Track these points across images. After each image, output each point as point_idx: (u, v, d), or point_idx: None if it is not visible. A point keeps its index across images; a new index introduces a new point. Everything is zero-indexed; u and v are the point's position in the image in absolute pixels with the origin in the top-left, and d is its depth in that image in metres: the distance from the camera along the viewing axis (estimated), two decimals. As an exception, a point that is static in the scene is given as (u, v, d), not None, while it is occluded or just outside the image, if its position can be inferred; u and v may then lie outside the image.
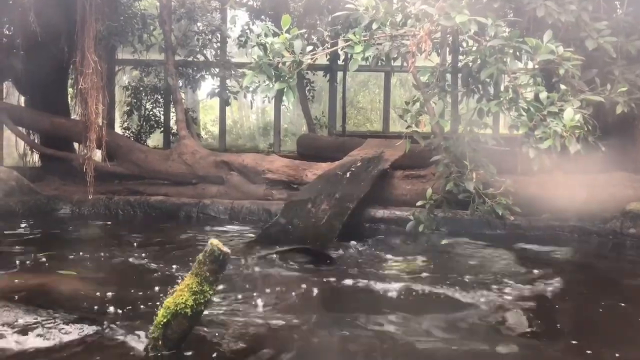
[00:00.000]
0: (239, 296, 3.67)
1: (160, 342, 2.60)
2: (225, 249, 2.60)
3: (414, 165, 6.67)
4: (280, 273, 4.32)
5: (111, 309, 3.31)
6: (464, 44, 5.82)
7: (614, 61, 5.14)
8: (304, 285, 3.93)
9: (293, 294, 3.77)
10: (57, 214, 6.98)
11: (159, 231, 6.02)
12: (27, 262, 4.43)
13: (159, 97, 10.35)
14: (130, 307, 3.33)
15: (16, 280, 3.89)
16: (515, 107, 4.28)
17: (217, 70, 9.43)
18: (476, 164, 4.86)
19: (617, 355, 2.80)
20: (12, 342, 2.71)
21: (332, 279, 4.08)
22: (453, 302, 3.63)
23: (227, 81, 9.37)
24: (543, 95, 4.11)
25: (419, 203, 5.23)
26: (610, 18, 5.24)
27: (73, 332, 2.82)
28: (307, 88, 10.58)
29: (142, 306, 3.35)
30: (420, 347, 2.91)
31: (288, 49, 4.19)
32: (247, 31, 9.61)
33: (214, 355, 2.72)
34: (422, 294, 3.77)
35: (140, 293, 3.63)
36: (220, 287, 3.41)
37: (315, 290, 3.85)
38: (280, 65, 4.18)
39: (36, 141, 8.92)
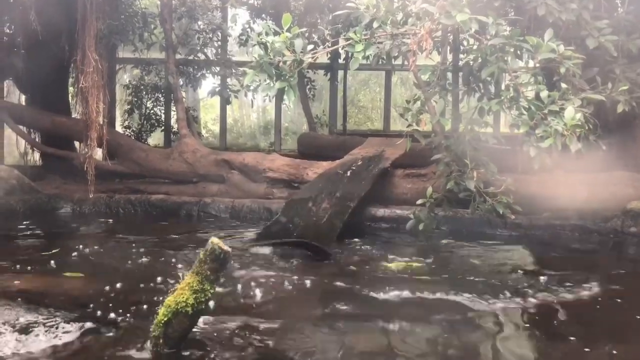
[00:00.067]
0: (239, 295, 3.68)
1: (161, 341, 2.60)
2: (226, 247, 2.60)
3: (414, 164, 6.67)
4: (280, 272, 4.31)
5: (112, 307, 3.31)
6: (465, 43, 5.81)
7: (614, 60, 5.13)
8: (304, 285, 3.93)
9: (293, 293, 3.78)
10: (58, 212, 6.98)
11: (160, 230, 6.02)
12: (28, 261, 4.43)
13: (160, 95, 10.35)
14: (131, 306, 3.33)
15: (16, 280, 3.90)
16: (516, 105, 4.28)
17: (218, 68, 9.42)
18: (477, 162, 4.86)
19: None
20: (12, 340, 2.71)
21: (332, 279, 4.07)
22: (454, 305, 3.55)
23: (228, 80, 9.36)
24: (544, 94, 4.11)
25: (419, 202, 5.22)
26: (611, 17, 5.24)
27: (74, 331, 2.82)
28: (308, 87, 10.58)
29: (142, 305, 3.35)
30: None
31: (289, 47, 4.19)
32: (248, 30, 9.61)
33: (214, 353, 2.72)
34: (423, 295, 3.72)
35: (141, 292, 3.63)
36: (221, 285, 3.42)
37: (315, 290, 3.85)
38: (281, 64, 4.18)
39: (37, 140, 8.91)
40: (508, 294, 3.73)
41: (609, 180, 6.01)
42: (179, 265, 4.33)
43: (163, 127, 10.51)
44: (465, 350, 2.92)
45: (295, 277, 4.13)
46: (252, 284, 3.92)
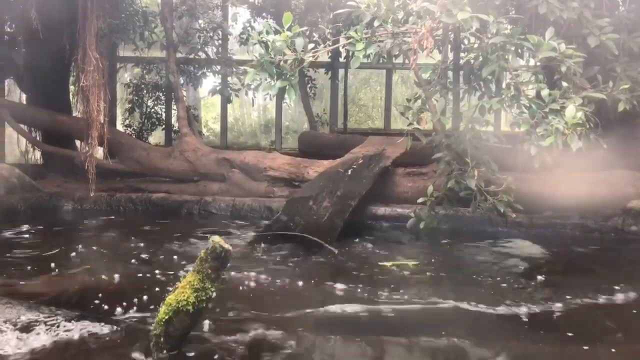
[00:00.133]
0: (240, 293, 3.68)
1: (162, 339, 2.60)
2: (227, 246, 2.60)
3: (415, 163, 6.67)
4: (280, 270, 4.32)
5: (113, 306, 3.31)
6: (466, 41, 5.81)
7: (616, 58, 5.13)
8: (303, 285, 3.93)
9: (292, 292, 3.77)
10: (59, 211, 6.99)
11: (161, 228, 6.03)
12: (28, 260, 4.43)
13: (161, 94, 10.36)
14: (131, 304, 3.33)
15: (17, 279, 3.90)
16: (516, 104, 4.27)
17: (219, 67, 9.42)
18: (478, 161, 4.86)
19: None
20: (13, 339, 2.72)
21: (332, 278, 4.07)
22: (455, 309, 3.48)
23: (229, 78, 9.37)
24: (545, 92, 4.11)
25: (420, 200, 5.22)
26: (612, 15, 5.23)
27: (75, 330, 2.83)
28: (309, 85, 10.58)
29: (143, 303, 3.36)
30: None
31: (289, 46, 4.19)
32: (249, 28, 9.60)
33: (215, 352, 2.73)
34: (424, 297, 3.69)
35: (142, 290, 3.63)
36: (221, 284, 3.42)
37: (315, 289, 3.85)
38: (281, 63, 4.18)
39: (38, 138, 8.92)
40: (507, 299, 3.73)
41: (609, 179, 6.00)
42: (180, 264, 4.34)
43: (164, 126, 10.51)
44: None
45: (296, 276, 4.13)
46: (252, 282, 3.92)
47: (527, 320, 3.29)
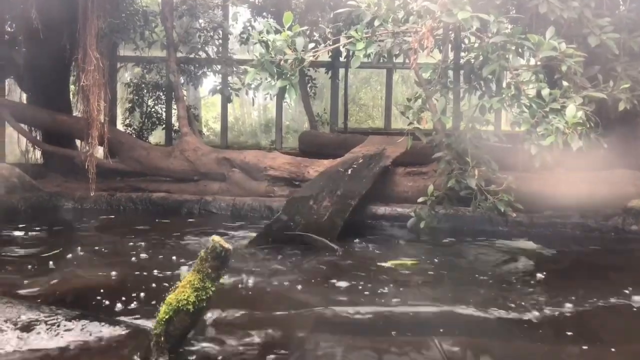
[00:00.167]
0: (239, 292, 3.68)
1: (162, 339, 2.60)
2: (227, 245, 2.60)
3: (415, 162, 6.67)
4: (280, 270, 4.32)
5: (113, 305, 3.32)
6: (466, 41, 5.81)
7: (616, 58, 5.12)
8: (305, 283, 3.93)
9: (293, 292, 3.77)
10: (59, 210, 6.99)
11: (161, 228, 6.03)
12: (28, 260, 4.44)
13: (161, 94, 10.36)
14: (132, 304, 3.34)
15: (17, 279, 3.91)
16: (517, 103, 4.27)
17: (219, 67, 9.43)
18: (478, 160, 4.86)
19: None
20: (14, 338, 2.72)
21: (332, 278, 4.07)
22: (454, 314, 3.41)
23: (229, 78, 9.37)
24: (545, 92, 4.10)
25: (420, 200, 5.22)
26: (612, 14, 5.23)
27: (75, 329, 2.82)
28: (309, 85, 10.58)
29: (144, 302, 3.36)
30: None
31: (290, 46, 4.19)
32: (249, 28, 9.60)
33: (215, 350, 2.73)
34: (425, 300, 3.66)
35: (142, 289, 3.63)
36: (222, 282, 3.41)
37: (315, 289, 3.85)
38: (282, 62, 4.18)
39: (38, 138, 8.93)
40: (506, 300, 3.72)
41: (610, 179, 6.00)
42: (180, 263, 4.33)
43: (164, 126, 10.51)
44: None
45: (296, 275, 4.13)
46: (252, 281, 3.92)
47: (525, 325, 3.22)
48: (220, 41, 9.65)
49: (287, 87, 4.18)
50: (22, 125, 8.56)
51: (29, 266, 4.21)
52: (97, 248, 4.88)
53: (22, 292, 3.57)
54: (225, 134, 10.95)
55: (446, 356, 2.74)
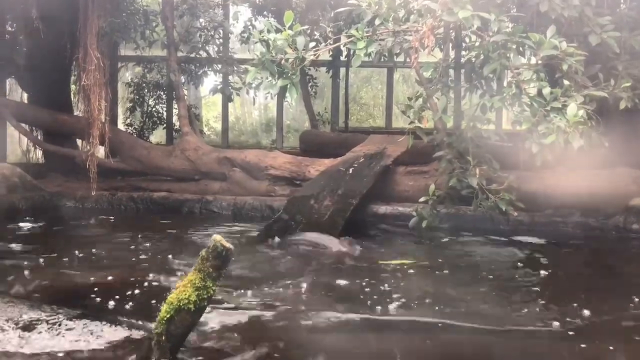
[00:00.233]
0: (239, 290, 3.68)
1: (163, 338, 2.60)
2: (228, 244, 2.60)
3: (416, 161, 6.66)
4: (281, 269, 4.32)
5: (114, 304, 3.32)
6: (467, 40, 5.80)
7: (617, 56, 5.11)
8: (304, 282, 3.92)
9: (293, 291, 3.77)
10: (61, 210, 6.99)
11: (162, 227, 6.03)
12: (29, 259, 4.44)
13: (162, 93, 10.35)
14: (133, 303, 3.34)
15: (18, 278, 3.91)
16: (518, 102, 4.26)
17: (220, 66, 9.42)
18: (479, 159, 4.85)
19: None
20: (15, 337, 2.72)
21: (332, 278, 4.07)
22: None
23: (230, 77, 9.36)
24: (546, 90, 4.10)
25: (421, 199, 5.21)
26: (613, 13, 5.22)
27: (77, 328, 2.83)
28: (310, 84, 10.57)
29: (145, 302, 3.36)
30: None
31: (291, 45, 4.19)
32: (250, 27, 9.60)
33: (216, 349, 2.73)
34: (425, 302, 3.64)
35: (143, 289, 3.63)
36: (223, 282, 3.41)
37: (316, 288, 3.85)
38: (283, 61, 4.17)
39: (39, 138, 8.93)
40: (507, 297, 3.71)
41: (611, 177, 5.99)
42: (181, 262, 4.34)
43: (165, 125, 10.51)
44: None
45: (296, 275, 4.14)
46: (252, 280, 3.92)
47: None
48: (221, 40, 9.65)
49: (288, 86, 4.18)
50: (23, 125, 8.57)
51: (29, 265, 4.21)
52: (97, 247, 4.88)
53: (21, 291, 3.58)
54: (226, 133, 10.95)
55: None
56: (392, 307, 3.42)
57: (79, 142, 8.86)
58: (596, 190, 5.88)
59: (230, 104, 10.80)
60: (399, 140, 5.78)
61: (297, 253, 4.86)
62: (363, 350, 2.89)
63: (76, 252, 4.67)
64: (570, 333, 3.02)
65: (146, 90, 10.29)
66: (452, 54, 7.50)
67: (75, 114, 8.89)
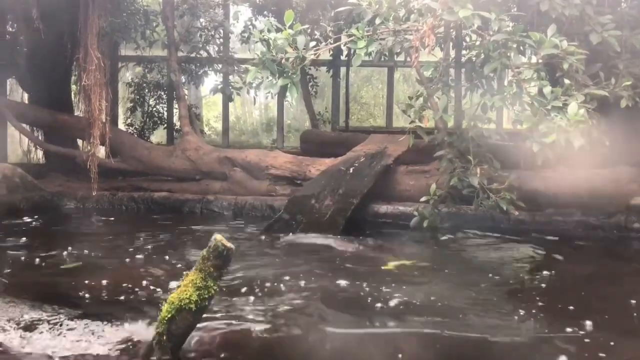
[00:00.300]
0: (239, 291, 3.68)
1: (164, 337, 2.60)
2: (229, 244, 2.60)
3: (417, 161, 6.66)
4: (281, 269, 4.32)
5: (115, 304, 3.32)
6: (468, 39, 5.80)
7: (618, 55, 5.10)
8: (303, 282, 3.92)
9: (293, 290, 3.77)
10: (61, 210, 7.00)
11: (163, 227, 6.03)
12: (29, 257, 4.44)
13: (162, 93, 10.35)
14: (134, 302, 3.34)
15: (18, 278, 3.91)
16: (519, 101, 4.26)
17: (220, 66, 9.42)
18: (480, 159, 4.85)
19: None
20: (17, 337, 2.72)
21: (332, 278, 4.06)
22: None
23: (230, 77, 9.36)
24: (547, 89, 4.10)
25: (423, 198, 5.21)
26: (614, 12, 5.21)
27: (78, 328, 2.83)
28: (310, 84, 10.56)
29: (146, 301, 3.36)
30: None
31: (291, 44, 4.18)
32: (250, 27, 9.59)
33: (216, 350, 2.73)
34: (426, 304, 3.60)
35: (144, 289, 3.64)
36: (223, 281, 3.42)
37: (316, 287, 3.84)
38: (283, 61, 4.17)
39: (40, 138, 8.93)
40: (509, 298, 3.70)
41: (612, 176, 5.98)
42: (181, 262, 4.34)
43: (165, 125, 10.51)
44: None
45: (297, 274, 4.13)
46: (252, 280, 3.92)
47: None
48: (221, 40, 9.64)
49: (289, 85, 4.18)
50: (24, 125, 8.57)
51: (29, 265, 4.21)
52: (98, 247, 4.88)
53: (24, 290, 3.57)
54: (226, 133, 10.95)
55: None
56: (390, 313, 3.39)
57: (79, 142, 8.87)
58: (597, 189, 5.87)
59: (230, 104, 10.80)
60: (400, 140, 5.78)
61: (297, 253, 4.86)
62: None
63: (75, 251, 4.67)
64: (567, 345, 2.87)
65: (147, 90, 10.28)
66: (452, 53, 7.51)
67: (75, 114, 8.89)
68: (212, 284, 2.61)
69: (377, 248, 5.06)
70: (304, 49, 4.19)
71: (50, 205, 7.00)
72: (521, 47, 4.27)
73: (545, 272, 4.16)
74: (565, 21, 4.70)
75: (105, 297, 3.45)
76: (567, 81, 4.19)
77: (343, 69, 10.83)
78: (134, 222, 6.27)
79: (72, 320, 2.88)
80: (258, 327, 3.00)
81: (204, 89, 11.93)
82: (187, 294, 2.58)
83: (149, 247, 4.92)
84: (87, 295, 3.53)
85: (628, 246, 5.40)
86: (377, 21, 4.50)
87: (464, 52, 6.77)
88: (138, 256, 4.56)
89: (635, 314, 3.39)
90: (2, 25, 8.70)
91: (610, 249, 5.33)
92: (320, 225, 5.40)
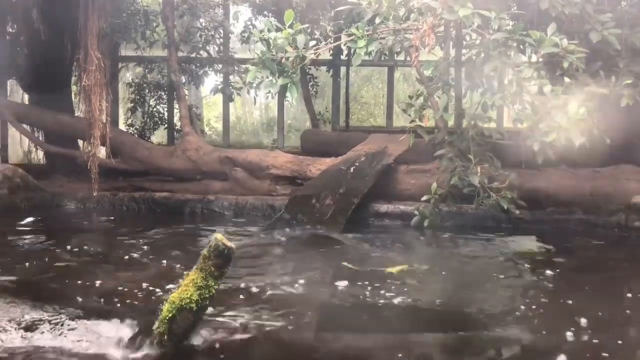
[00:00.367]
0: (240, 291, 3.68)
1: (165, 337, 2.61)
2: (230, 243, 2.61)
3: (418, 160, 6.66)
4: (281, 269, 4.32)
5: (117, 304, 3.32)
6: (468, 38, 5.80)
7: (618, 54, 5.11)
8: (304, 282, 3.92)
9: (294, 290, 3.77)
10: (62, 210, 7.00)
11: (164, 227, 6.03)
12: (29, 257, 4.44)
13: (163, 93, 10.35)
14: (135, 302, 3.34)
15: (21, 276, 3.91)
16: (519, 100, 4.27)
17: (220, 66, 9.42)
18: (480, 158, 4.86)
19: None
20: (18, 338, 2.72)
21: (332, 278, 4.06)
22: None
23: (230, 77, 9.36)
24: (547, 88, 4.10)
25: (423, 198, 5.22)
26: (614, 10, 5.22)
27: (79, 328, 2.83)
28: (310, 83, 10.56)
29: (147, 301, 3.36)
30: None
31: (291, 44, 4.19)
32: (250, 27, 9.58)
33: (216, 349, 2.74)
34: (426, 306, 3.57)
35: (145, 288, 3.64)
36: (224, 281, 3.42)
37: (316, 288, 3.84)
38: (283, 60, 4.18)
39: (40, 139, 8.94)
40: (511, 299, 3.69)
41: (613, 174, 5.99)
42: (182, 262, 4.34)
43: (166, 125, 10.51)
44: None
45: (297, 274, 4.13)
46: (252, 280, 3.92)
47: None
48: (221, 40, 9.64)
49: (289, 85, 4.18)
50: (25, 125, 8.57)
51: (30, 265, 4.21)
52: (98, 247, 4.89)
53: (24, 290, 3.58)
54: (227, 133, 10.94)
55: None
56: (391, 315, 3.39)
57: (80, 142, 8.87)
58: (598, 187, 5.88)
59: (231, 104, 10.80)
60: (400, 139, 5.78)
61: (298, 252, 4.86)
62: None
63: (76, 251, 4.67)
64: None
65: (147, 91, 10.28)
66: (452, 52, 7.51)
67: (76, 114, 8.89)
68: (212, 283, 2.61)
69: (377, 248, 5.06)
70: (303, 48, 4.20)
71: (51, 205, 7.01)
72: (521, 46, 4.28)
73: (548, 272, 4.15)
74: (565, 20, 4.71)
75: (106, 297, 3.45)
76: (567, 80, 4.19)
77: (343, 69, 10.82)
78: (135, 222, 6.26)
79: (73, 320, 2.88)
80: (258, 327, 3.00)
81: (204, 89, 11.93)
82: (188, 293, 2.59)
83: (150, 247, 4.92)
84: (87, 295, 3.53)
85: (629, 245, 5.39)
86: (377, 20, 4.51)
87: (464, 51, 6.78)
88: (138, 256, 4.56)
89: (637, 313, 3.39)
90: (3, 26, 8.70)
91: (611, 247, 5.32)
92: (321, 224, 5.40)
